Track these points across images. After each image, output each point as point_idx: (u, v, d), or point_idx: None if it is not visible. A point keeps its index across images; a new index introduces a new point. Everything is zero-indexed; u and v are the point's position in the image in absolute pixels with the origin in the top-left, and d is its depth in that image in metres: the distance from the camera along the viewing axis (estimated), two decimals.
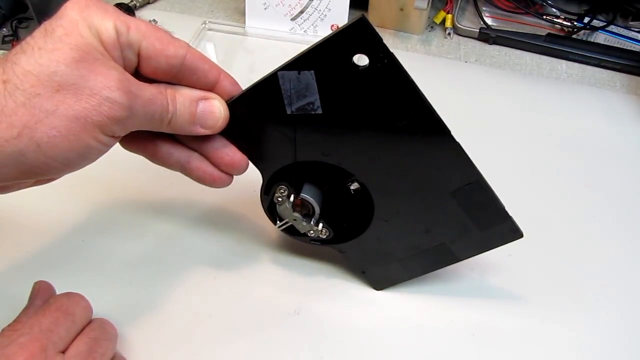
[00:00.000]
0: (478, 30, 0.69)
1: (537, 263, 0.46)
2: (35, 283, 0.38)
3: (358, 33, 0.30)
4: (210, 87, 0.34)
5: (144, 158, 0.37)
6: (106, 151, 0.31)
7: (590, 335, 0.42)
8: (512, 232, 0.38)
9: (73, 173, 0.32)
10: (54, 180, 0.33)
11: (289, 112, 0.34)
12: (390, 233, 0.40)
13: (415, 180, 0.36)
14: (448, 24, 0.71)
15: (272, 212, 0.41)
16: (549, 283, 0.45)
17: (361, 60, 0.31)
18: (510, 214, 0.36)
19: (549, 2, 0.70)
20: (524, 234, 0.37)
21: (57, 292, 0.38)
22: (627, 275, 0.46)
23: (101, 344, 0.35)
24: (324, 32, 0.67)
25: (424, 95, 0.32)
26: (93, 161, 0.31)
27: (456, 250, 0.39)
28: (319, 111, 0.34)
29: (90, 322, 0.36)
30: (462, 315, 0.43)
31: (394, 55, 0.31)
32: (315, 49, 0.31)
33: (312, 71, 0.32)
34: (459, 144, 0.34)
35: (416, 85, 0.32)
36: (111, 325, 0.37)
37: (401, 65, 0.31)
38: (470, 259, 0.40)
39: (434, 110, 0.33)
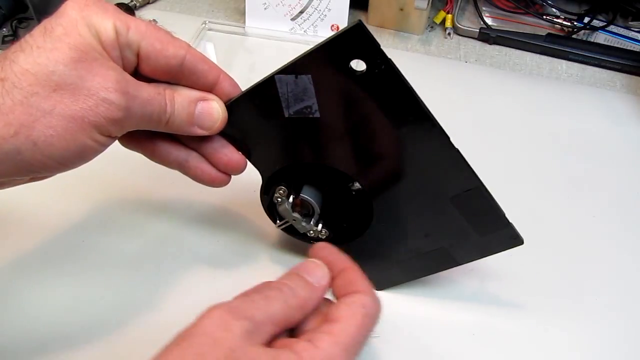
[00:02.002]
0: (478, 30, 0.69)
1: (536, 263, 0.46)
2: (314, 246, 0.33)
3: (355, 38, 0.29)
4: (209, 88, 0.34)
5: (143, 157, 0.37)
6: (103, 150, 0.31)
7: (590, 336, 0.42)
8: (512, 239, 0.37)
9: (72, 172, 0.32)
10: (50, 177, 0.33)
11: (286, 115, 0.34)
12: (389, 236, 0.40)
13: (414, 186, 0.36)
14: (448, 24, 0.70)
15: (271, 211, 0.41)
16: (548, 283, 0.45)
17: (359, 65, 0.31)
18: (509, 214, 0.36)
19: (549, 2, 0.70)
20: (522, 234, 0.37)
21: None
22: (628, 276, 0.46)
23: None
24: (324, 32, 0.67)
25: (422, 101, 0.32)
26: (89, 160, 0.31)
27: (456, 255, 0.39)
28: (317, 115, 0.33)
29: None
30: (462, 315, 0.43)
31: (392, 61, 0.30)
32: (311, 53, 0.31)
33: (309, 75, 0.32)
34: (458, 151, 0.33)
35: (414, 91, 0.31)
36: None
37: (399, 71, 0.31)
38: None
39: (433, 117, 0.32)
